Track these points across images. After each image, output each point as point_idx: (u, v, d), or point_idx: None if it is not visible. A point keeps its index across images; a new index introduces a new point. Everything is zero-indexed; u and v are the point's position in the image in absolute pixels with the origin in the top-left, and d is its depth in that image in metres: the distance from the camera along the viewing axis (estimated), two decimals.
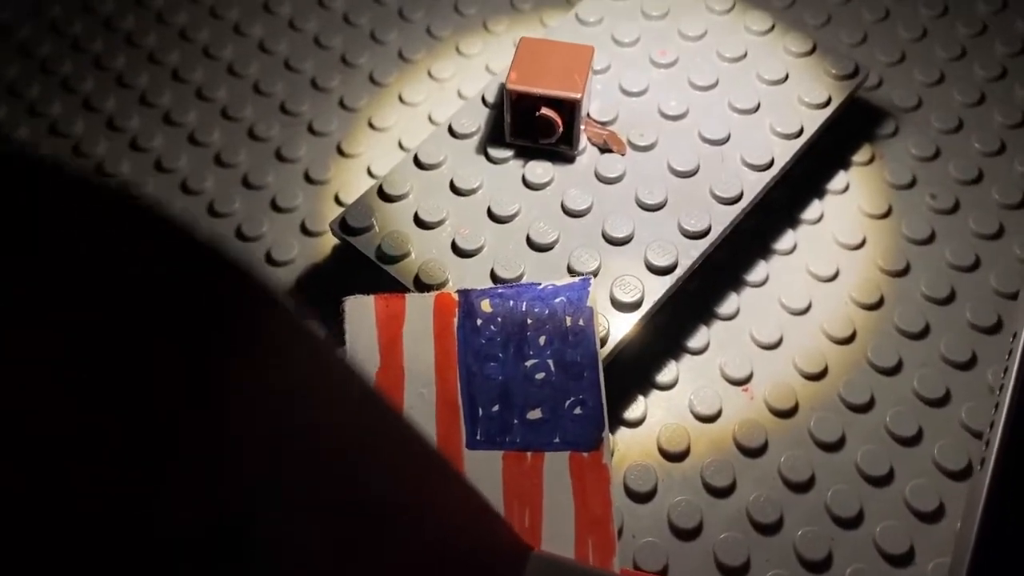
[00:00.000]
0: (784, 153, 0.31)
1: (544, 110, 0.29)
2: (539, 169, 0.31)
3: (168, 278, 0.11)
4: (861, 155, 0.34)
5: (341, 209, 0.32)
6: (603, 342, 0.27)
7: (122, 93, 0.38)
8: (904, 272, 0.31)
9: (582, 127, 0.31)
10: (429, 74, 0.37)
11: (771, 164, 0.30)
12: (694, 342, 0.30)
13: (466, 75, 0.37)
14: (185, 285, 0.11)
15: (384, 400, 0.16)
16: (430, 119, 0.36)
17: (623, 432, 0.29)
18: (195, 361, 0.11)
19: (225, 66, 0.39)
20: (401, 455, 0.16)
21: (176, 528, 0.11)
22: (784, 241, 0.32)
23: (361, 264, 0.30)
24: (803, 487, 0.27)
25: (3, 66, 0.39)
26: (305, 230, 0.34)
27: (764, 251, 0.32)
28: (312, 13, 0.40)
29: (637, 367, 0.30)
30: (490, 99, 0.33)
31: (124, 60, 0.39)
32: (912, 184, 0.33)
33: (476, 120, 0.32)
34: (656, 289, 0.28)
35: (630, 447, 0.29)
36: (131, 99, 0.38)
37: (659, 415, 0.29)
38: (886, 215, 0.33)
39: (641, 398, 0.29)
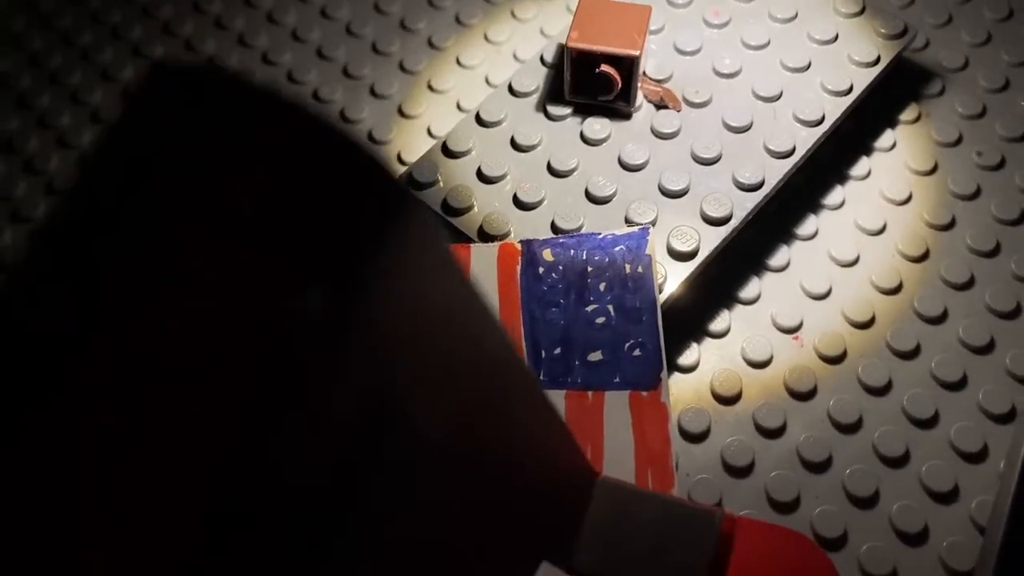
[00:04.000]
0: (834, 110, 0.32)
1: (603, 67, 0.31)
2: (597, 125, 0.32)
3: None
4: (908, 114, 0.35)
5: (404, 168, 0.33)
6: (660, 289, 0.29)
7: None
8: (950, 226, 0.32)
9: (639, 84, 0.32)
10: (485, 38, 0.39)
11: (822, 120, 0.31)
12: (746, 293, 0.31)
13: (521, 38, 0.38)
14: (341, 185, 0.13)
15: (492, 315, 0.17)
16: (487, 81, 0.37)
17: (677, 377, 0.30)
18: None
19: (289, 31, 0.40)
20: (507, 369, 0.18)
21: (347, 402, 0.12)
22: (833, 196, 0.33)
23: None
24: (851, 428, 0.29)
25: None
26: None
27: (814, 206, 0.33)
28: None
29: (691, 316, 0.31)
30: (549, 60, 0.34)
31: (192, 26, 0.41)
32: (958, 142, 0.34)
33: (535, 80, 0.33)
34: (712, 239, 0.29)
35: (684, 391, 0.30)
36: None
37: (712, 361, 0.30)
38: (932, 172, 0.34)
39: (695, 345, 0.31)
